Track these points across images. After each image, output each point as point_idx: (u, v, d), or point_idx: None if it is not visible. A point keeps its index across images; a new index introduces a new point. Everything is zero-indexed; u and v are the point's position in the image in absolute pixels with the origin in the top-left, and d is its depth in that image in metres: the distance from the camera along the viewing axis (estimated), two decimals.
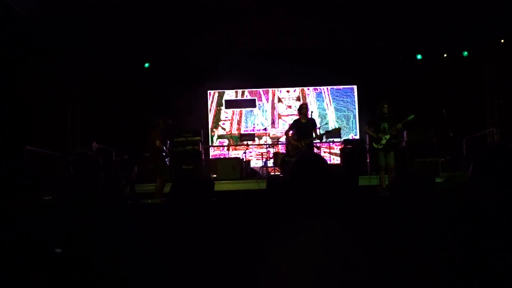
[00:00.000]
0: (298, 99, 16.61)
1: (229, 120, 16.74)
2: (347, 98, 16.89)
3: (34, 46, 12.04)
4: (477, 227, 2.31)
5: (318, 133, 11.28)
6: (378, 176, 10.69)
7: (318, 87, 16.85)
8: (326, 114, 16.67)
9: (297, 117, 11.20)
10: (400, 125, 10.35)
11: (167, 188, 10.34)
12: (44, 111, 12.88)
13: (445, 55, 14.49)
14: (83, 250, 3.31)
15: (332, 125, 16.17)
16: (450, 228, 2.38)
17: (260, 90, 16.79)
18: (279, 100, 16.77)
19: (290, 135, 11.33)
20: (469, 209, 2.42)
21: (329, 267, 2.28)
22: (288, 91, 16.87)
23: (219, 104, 16.86)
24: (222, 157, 15.70)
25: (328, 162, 13.09)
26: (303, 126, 11.05)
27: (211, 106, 16.92)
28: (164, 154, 10.77)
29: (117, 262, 3.25)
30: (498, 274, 2.20)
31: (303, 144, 10.91)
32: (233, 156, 15.47)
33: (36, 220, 3.22)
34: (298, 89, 16.90)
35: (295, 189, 2.49)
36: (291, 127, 11.25)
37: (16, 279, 2.81)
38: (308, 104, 11.48)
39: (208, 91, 16.92)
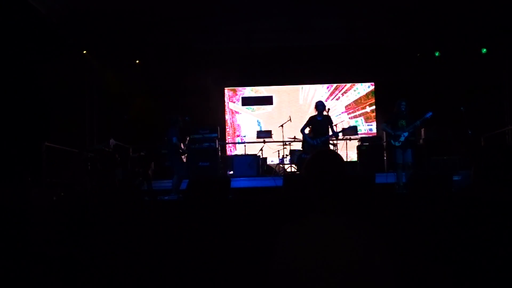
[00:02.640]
0: None
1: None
2: None
3: (53, 43, 12.14)
4: (485, 225, 2.30)
5: (335, 130, 11.24)
6: (395, 173, 10.63)
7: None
8: None
9: (313, 114, 11.16)
10: (418, 122, 10.28)
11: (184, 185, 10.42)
12: (62, 108, 12.98)
13: (463, 52, 14.35)
14: (100, 245, 3.33)
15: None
16: (467, 226, 2.36)
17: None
18: None
19: (306, 132, 11.30)
20: (476, 207, 2.41)
21: (344, 263, 2.28)
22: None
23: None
24: (238, 154, 15.73)
25: (345, 160, 13.01)
26: (319, 123, 11.00)
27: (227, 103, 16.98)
28: (181, 151, 10.80)
29: (133, 256, 3.27)
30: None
31: (319, 142, 10.88)
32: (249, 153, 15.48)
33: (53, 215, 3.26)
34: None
35: (310, 186, 2.49)
36: (307, 124, 11.21)
37: (30, 272, 2.83)
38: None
39: (225, 88, 16.97)
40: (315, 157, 2.59)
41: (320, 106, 11.03)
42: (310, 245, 2.32)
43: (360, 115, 16.86)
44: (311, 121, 11.15)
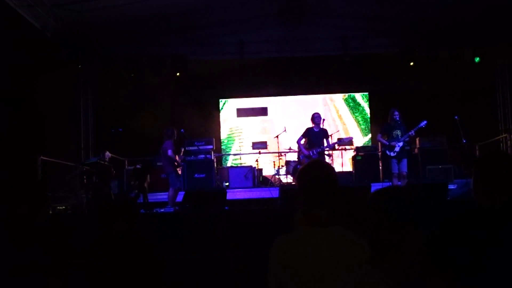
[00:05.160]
0: None
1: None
2: None
3: (48, 57, 12.15)
4: (485, 233, 2.31)
5: (330, 142, 11.31)
6: (391, 183, 10.66)
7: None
8: None
9: (309, 126, 11.25)
10: (412, 131, 10.31)
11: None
12: (58, 122, 12.97)
13: (456, 61, 14.38)
14: (97, 258, 3.33)
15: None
16: (464, 234, 2.37)
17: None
18: None
19: (302, 143, 11.37)
20: (476, 215, 2.42)
21: (337, 274, 2.28)
22: None
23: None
24: (234, 165, 15.72)
25: (341, 169, 13.03)
26: (315, 135, 11.10)
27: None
28: (176, 163, 10.81)
29: (130, 270, 3.27)
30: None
31: (314, 153, 10.96)
32: (245, 164, 15.46)
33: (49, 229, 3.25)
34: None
35: (302, 197, 2.50)
36: (303, 135, 11.28)
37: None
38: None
39: (220, 100, 16.98)
40: (306, 167, 2.60)
41: (316, 118, 11.12)
42: (303, 257, 2.32)
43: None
44: (307, 133, 11.23)
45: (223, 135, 16.91)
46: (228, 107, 17.07)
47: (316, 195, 2.44)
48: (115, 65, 14.11)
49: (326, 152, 11.94)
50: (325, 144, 11.10)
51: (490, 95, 15.24)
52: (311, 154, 10.98)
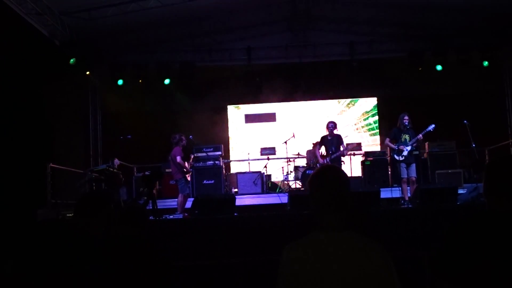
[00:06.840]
0: None
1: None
2: None
3: (56, 65, 12.21)
4: (495, 237, 2.30)
5: (344, 148, 11.37)
6: (400, 188, 10.62)
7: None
8: None
9: (324, 134, 11.40)
10: (420, 135, 10.28)
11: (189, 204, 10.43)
12: (66, 129, 13.01)
13: (465, 65, 14.32)
14: (105, 265, 3.32)
15: None
16: (475, 239, 2.35)
17: None
18: None
19: (320, 152, 11.53)
20: (486, 219, 2.41)
21: (349, 279, 2.27)
22: None
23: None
24: (243, 171, 15.69)
25: (350, 175, 13.04)
26: (329, 142, 11.23)
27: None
28: (185, 169, 10.82)
29: (139, 277, 3.26)
30: None
31: (327, 160, 11.07)
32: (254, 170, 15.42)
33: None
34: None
35: (313, 202, 2.48)
36: (320, 144, 11.47)
37: None
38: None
39: (228, 106, 16.96)
40: (318, 172, 2.59)
41: (330, 125, 11.19)
42: (314, 262, 2.31)
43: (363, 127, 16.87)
44: (322, 141, 11.36)
45: (232, 141, 16.90)
46: (237, 113, 17.05)
47: (328, 200, 2.42)
48: (123, 72, 14.17)
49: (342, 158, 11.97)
50: (341, 149, 11.21)
51: (499, 99, 15.17)
52: (325, 162, 11.08)
